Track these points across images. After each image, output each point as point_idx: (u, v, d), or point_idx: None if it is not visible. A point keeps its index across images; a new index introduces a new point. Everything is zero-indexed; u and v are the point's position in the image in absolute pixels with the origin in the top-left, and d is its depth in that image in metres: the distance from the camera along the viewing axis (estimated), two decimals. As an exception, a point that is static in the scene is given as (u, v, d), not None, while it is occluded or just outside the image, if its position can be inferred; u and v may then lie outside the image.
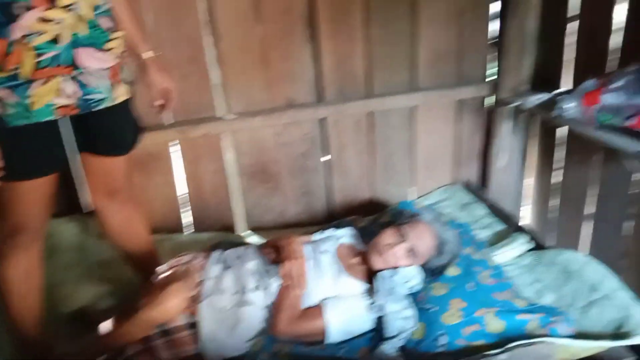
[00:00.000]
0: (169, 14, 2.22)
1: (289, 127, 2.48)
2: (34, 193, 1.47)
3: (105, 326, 1.56)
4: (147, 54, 1.69)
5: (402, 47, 2.46)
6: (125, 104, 1.59)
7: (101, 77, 1.44)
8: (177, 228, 2.53)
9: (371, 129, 2.57)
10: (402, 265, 1.74)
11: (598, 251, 2.21)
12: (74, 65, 1.37)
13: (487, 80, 2.59)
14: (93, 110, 1.44)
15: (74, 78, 1.38)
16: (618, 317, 1.59)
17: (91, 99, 1.43)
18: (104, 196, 1.75)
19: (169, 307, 1.48)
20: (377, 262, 1.76)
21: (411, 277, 1.73)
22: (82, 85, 1.40)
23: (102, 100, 1.46)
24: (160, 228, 2.40)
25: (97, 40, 1.42)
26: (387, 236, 1.78)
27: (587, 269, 1.80)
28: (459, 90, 2.58)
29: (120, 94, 1.53)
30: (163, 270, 1.71)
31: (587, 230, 2.29)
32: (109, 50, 1.45)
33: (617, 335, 1.53)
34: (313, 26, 2.34)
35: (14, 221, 1.49)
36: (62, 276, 2.01)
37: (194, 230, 2.57)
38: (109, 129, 1.58)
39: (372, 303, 1.69)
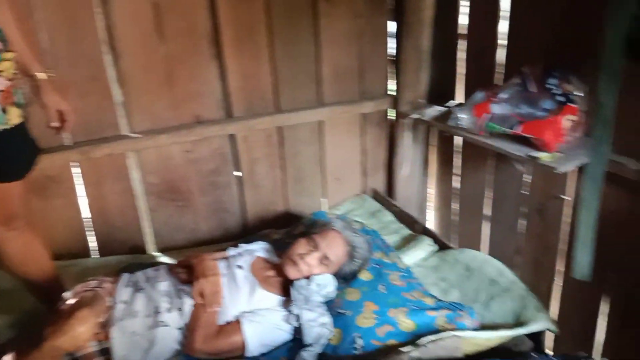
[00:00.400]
0: (66, 32, 2.13)
1: (198, 143, 2.46)
2: None
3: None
4: (40, 75, 1.64)
5: (306, 66, 2.53)
6: (20, 127, 1.53)
7: None
8: (84, 253, 2.40)
9: (281, 143, 2.61)
10: (316, 273, 1.78)
11: (495, 249, 2.40)
12: None
13: (388, 94, 2.73)
14: None
15: None
16: (516, 309, 1.74)
17: None
18: (0, 223, 1.65)
19: (77, 335, 1.40)
20: (291, 272, 1.79)
21: (325, 284, 1.78)
22: None
23: None
24: (64, 254, 2.28)
25: None
26: (300, 246, 1.83)
27: (485, 266, 1.95)
28: (362, 105, 2.70)
29: (13, 118, 1.47)
30: (69, 297, 1.62)
31: (486, 230, 2.48)
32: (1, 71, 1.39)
33: (516, 324, 1.67)
34: (218, 45, 2.35)
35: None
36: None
37: (99, 255, 2.45)
38: (2, 154, 1.51)
39: (289, 313, 1.71)
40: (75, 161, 2.29)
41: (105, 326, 1.58)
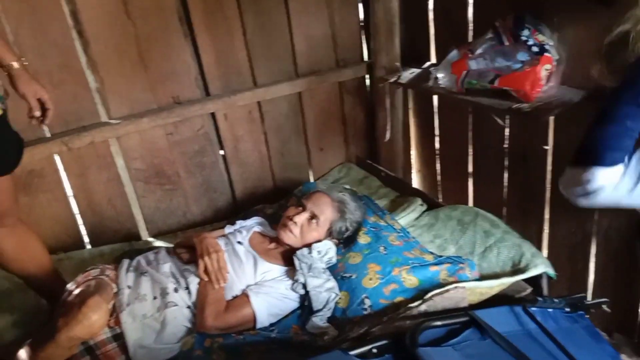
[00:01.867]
0: (31, 21, 2.05)
1: (180, 125, 2.42)
2: None
3: (22, 356, 1.43)
4: (15, 64, 1.59)
5: (279, 37, 2.51)
6: (1, 121, 1.47)
7: None
8: (78, 245, 2.37)
9: (262, 118, 2.60)
10: (312, 237, 1.84)
11: (482, 205, 2.46)
12: None
13: (363, 61, 2.73)
14: None
15: None
16: (513, 256, 1.79)
17: None
18: None
19: (92, 323, 1.40)
20: (284, 236, 1.84)
21: (326, 250, 1.82)
22: None
23: None
24: (55, 248, 2.23)
25: None
26: (289, 211, 1.91)
27: (478, 219, 2.00)
28: (339, 73, 2.69)
29: None
30: (73, 288, 1.61)
31: (471, 187, 2.55)
32: None
33: (515, 271, 1.73)
34: (188, 21, 2.30)
35: None
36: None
37: (90, 246, 2.42)
38: None
39: (294, 282, 1.74)
40: (56, 153, 2.23)
41: (114, 312, 1.58)
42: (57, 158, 2.25)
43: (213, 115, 2.49)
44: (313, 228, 1.85)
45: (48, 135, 2.20)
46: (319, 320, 1.65)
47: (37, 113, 1.67)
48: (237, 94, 2.48)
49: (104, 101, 2.27)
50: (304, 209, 1.88)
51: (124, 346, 1.53)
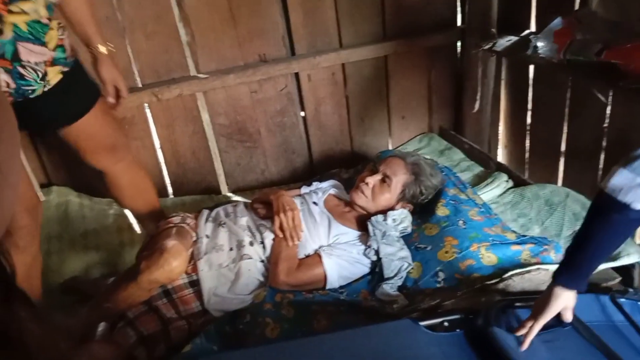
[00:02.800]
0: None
1: (264, 83, 2.44)
2: None
3: (106, 291, 1.53)
4: (101, 48, 1.65)
5: (369, -3, 2.43)
6: (73, 73, 1.55)
7: (38, 69, 1.41)
8: (160, 193, 2.43)
9: (345, 81, 2.55)
10: (384, 199, 1.81)
11: (571, 186, 2.31)
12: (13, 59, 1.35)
13: (456, 25, 2.60)
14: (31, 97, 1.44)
15: (9, 71, 1.36)
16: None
17: (27, 90, 1.42)
18: (105, 156, 1.75)
19: (172, 268, 1.46)
20: (355, 197, 1.83)
21: (401, 219, 1.78)
22: (18, 78, 1.39)
23: (35, 89, 1.44)
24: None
25: (37, 34, 1.38)
26: (363, 175, 1.88)
27: (569, 201, 1.87)
28: (429, 38, 2.58)
29: (54, 76, 1.48)
30: (155, 233, 1.68)
31: (560, 167, 2.39)
32: (47, 42, 1.42)
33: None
34: (279, -21, 2.28)
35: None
36: (47, 248, 1.95)
37: (173, 196, 2.52)
38: (61, 102, 1.55)
39: (367, 248, 1.72)
40: (146, 103, 2.32)
41: (192, 260, 1.63)
42: (147, 108, 2.34)
43: (297, 75, 2.47)
44: (385, 190, 1.82)
45: (140, 85, 2.28)
46: (389, 288, 1.63)
47: (111, 100, 1.73)
48: (321, 54, 2.45)
49: (194, 55, 2.32)
50: (377, 172, 1.86)
51: (199, 293, 1.59)
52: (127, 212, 2.33)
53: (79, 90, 1.63)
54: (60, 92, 1.52)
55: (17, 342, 0.50)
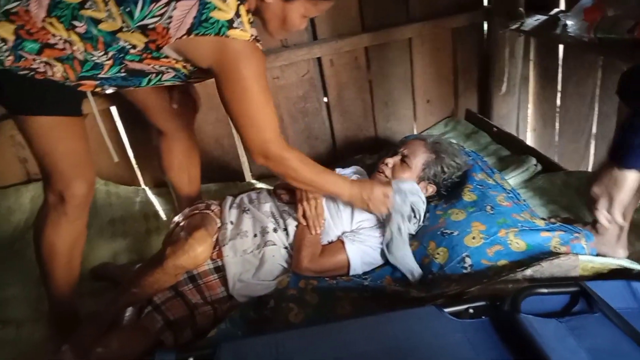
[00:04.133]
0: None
1: (286, 69, 2.42)
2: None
3: (133, 277, 1.55)
4: None
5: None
6: None
7: None
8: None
9: (369, 65, 2.52)
10: (404, 178, 1.77)
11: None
12: None
13: (483, 5, 2.53)
14: None
15: None
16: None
17: None
18: (171, 121, 1.87)
19: (197, 254, 1.46)
20: (377, 180, 1.80)
21: (411, 191, 1.71)
22: None
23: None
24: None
25: None
26: (384, 158, 1.86)
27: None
28: (454, 19, 2.52)
29: None
30: (181, 220, 1.69)
31: (591, 150, 2.32)
32: None
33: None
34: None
35: (59, 187, 1.49)
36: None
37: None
38: None
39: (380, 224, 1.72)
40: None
41: (217, 246, 1.65)
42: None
43: (319, 60, 2.45)
44: (405, 169, 1.80)
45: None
46: (415, 271, 1.61)
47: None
48: (344, 38, 2.42)
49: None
50: (397, 154, 1.84)
51: (224, 278, 1.60)
52: (154, 200, 2.36)
53: None
54: None
55: None
